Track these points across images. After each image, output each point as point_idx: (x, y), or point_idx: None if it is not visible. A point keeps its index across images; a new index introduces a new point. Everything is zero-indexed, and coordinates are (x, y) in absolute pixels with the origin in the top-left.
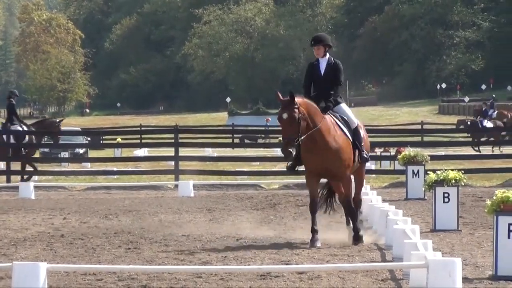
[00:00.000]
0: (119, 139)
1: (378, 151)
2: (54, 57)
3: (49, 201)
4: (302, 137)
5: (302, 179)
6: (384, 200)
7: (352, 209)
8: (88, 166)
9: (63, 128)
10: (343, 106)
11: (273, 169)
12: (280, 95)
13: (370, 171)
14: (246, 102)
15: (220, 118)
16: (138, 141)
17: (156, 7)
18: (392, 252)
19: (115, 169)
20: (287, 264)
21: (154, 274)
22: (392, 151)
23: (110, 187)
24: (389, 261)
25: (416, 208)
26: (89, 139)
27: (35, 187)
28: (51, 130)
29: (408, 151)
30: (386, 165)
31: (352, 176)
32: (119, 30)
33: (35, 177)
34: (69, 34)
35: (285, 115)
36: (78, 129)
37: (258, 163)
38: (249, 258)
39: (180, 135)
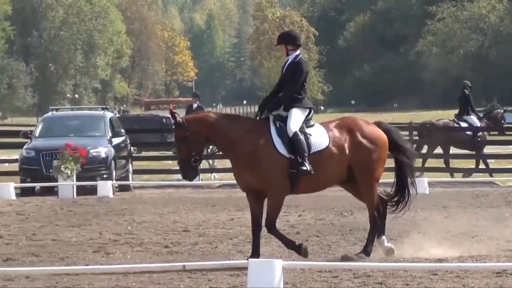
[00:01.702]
0: None
1: None
2: None
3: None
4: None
5: None
6: None
7: (275, 233)
8: None
9: None
10: (294, 111)
11: (508, 166)
12: (172, 114)
13: None
14: (480, 99)
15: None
16: None
17: (390, 5)
18: None
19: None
20: None
21: (390, 271)
22: None
23: None
24: None
25: None
26: None
27: None
28: (497, 123)
29: None
30: None
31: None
32: (352, 28)
33: None
34: (303, 32)
35: (174, 137)
36: None
37: (493, 160)
38: (485, 255)
39: (415, 132)
